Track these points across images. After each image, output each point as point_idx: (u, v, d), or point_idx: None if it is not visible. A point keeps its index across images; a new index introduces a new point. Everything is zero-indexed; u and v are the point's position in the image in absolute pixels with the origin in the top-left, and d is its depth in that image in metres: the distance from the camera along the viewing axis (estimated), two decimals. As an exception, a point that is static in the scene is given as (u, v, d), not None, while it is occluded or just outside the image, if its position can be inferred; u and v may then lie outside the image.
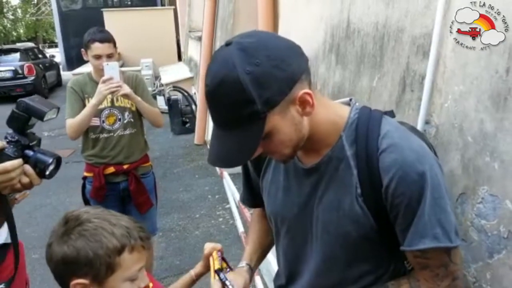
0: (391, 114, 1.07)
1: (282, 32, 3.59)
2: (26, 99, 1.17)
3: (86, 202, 2.70)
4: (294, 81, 0.86)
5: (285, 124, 0.89)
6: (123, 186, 2.65)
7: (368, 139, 0.95)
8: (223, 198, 4.80)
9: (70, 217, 0.97)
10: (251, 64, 0.82)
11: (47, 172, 1.12)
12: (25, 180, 1.09)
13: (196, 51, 8.74)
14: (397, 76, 1.66)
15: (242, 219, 3.56)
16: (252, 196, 1.27)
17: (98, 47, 2.43)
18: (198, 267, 1.34)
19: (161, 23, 14.51)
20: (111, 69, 2.37)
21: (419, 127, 1.47)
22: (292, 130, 0.91)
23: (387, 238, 0.99)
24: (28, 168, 1.10)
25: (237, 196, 3.64)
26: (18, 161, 1.07)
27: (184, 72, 10.43)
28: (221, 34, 6.26)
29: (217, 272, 1.16)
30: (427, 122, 1.47)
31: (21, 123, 1.16)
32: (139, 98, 2.51)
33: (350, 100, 1.06)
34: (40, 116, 1.17)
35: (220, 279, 1.14)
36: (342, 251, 1.03)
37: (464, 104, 1.29)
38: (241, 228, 3.46)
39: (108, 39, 2.47)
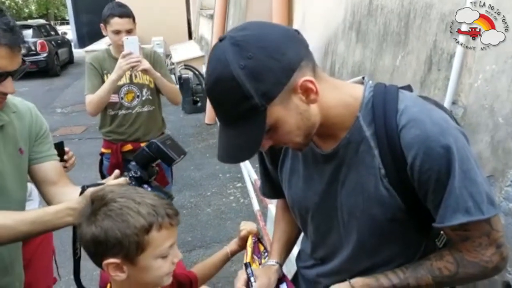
0: (409, 89, 1.03)
1: (298, 10, 3.50)
2: (159, 142, 1.19)
3: (103, 178, 2.71)
4: (291, 70, 0.83)
5: (289, 114, 0.87)
6: (140, 163, 2.65)
7: (386, 117, 0.91)
8: (234, 177, 4.82)
9: (95, 198, 0.96)
10: (244, 58, 0.81)
11: None
12: None
13: (208, 30, 8.66)
14: (423, 55, 1.62)
15: (258, 197, 3.55)
16: (272, 189, 1.25)
17: (117, 22, 2.38)
18: (233, 245, 1.35)
19: (172, 1, 14.36)
20: (131, 43, 2.32)
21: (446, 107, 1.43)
22: (299, 119, 0.88)
23: (416, 218, 0.97)
24: None
25: (253, 174, 3.63)
26: None
27: (195, 50, 10.36)
28: (234, 12, 6.18)
29: (246, 265, 1.17)
30: (454, 103, 1.43)
31: (147, 161, 1.19)
32: (158, 74, 2.48)
33: (363, 78, 1.01)
34: (169, 162, 1.20)
35: (247, 274, 1.14)
36: (371, 235, 1.01)
37: (495, 84, 1.25)
38: (256, 207, 3.45)
39: (127, 14, 2.41)
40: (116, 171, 1.24)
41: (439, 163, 0.87)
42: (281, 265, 1.22)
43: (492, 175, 1.25)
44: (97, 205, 0.94)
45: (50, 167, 1.38)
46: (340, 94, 0.94)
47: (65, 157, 1.84)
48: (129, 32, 2.42)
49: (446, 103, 1.44)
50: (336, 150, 0.98)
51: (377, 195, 0.95)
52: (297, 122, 0.89)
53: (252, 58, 0.81)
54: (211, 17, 7.51)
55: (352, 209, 1.00)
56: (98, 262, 0.95)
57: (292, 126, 0.89)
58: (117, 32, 2.41)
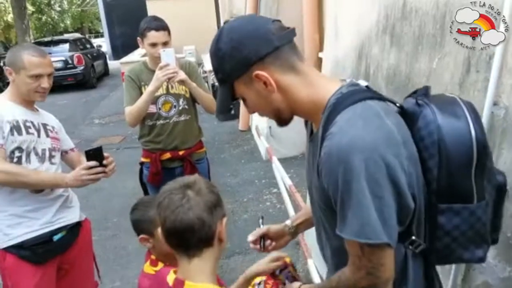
0: (424, 90, 1.06)
1: (330, 15, 3.51)
2: None
3: (143, 186, 2.80)
4: (249, 61, 1.01)
5: (250, 93, 1.06)
6: (179, 172, 2.71)
7: (327, 123, 0.99)
8: (269, 183, 4.85)
9: (185, 183, 1.13)
10: (223, 43, 1.03)
11: None
12: None
13: (239, 37, 8.70)
14: (461, 56, 1.60)
15: (294, 203, 3.57)
16: None
17: (154, 35, 2.48)
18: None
19: (202, 10, 14.61)
20: (168, 55, 2.41)
21: (486, 109, 1.42)
22: (262, 101, 1.06)
23: None
24: None
25: (287, 180, 3.64)
26: None
27: (226, 58, 10.45)
28: (265, 19, 6.21)
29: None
30: (495, 104, 1.41)
31: None
32: (194, 84, 2.55)
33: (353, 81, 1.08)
34: None
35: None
36: (327, 224, 1.11)
37: (538, 84, 1.24)
38: (292, 212, 3.47)
39: (163, 27, 2.51)
40: None
41: (332, 175, 0.95)
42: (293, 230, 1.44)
43: (537, 177, 1.23)
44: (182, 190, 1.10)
45: None
46: (313, 91, 1.05)
47: (104, 162, 1.88)
48: (165, 44, 2.51)
49: (487, 105, 1.42)
50: (311, 139, 1.12)
51: (319, 188, 1.04)
52: (259, 102, 1.07)
53: (226, 44, 1.02)
54: (241, 24, 7.57)
55: (311, 192, 1.15)
56: (211, 232, 1.06)
57: (255, 103, 1.08)
58: (154, 45, 2.51)
